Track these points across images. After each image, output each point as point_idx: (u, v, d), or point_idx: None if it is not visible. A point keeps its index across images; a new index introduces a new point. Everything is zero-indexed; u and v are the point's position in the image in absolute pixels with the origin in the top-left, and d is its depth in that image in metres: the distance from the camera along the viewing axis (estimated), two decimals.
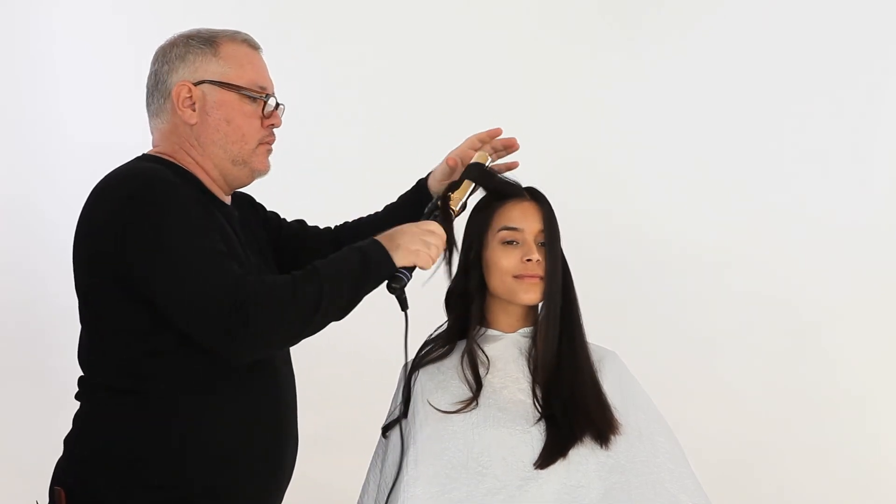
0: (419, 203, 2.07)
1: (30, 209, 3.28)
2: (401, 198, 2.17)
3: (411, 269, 1.82)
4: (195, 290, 1.66)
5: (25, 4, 3.30)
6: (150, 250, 1.68)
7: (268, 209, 2.14)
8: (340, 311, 1.75)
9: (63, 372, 3.22)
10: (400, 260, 1.79)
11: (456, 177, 2.03)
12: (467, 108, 3.28)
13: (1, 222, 3.29)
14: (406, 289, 1.83)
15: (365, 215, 2.19)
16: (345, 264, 1.75)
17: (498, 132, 2.08)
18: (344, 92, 3.30)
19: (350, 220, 2.19)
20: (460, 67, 3.32)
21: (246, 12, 3.07)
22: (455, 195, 1.96)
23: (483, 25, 3.35)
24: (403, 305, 1.86)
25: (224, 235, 1.79)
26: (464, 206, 1.99)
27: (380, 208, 2.19)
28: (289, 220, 2.17)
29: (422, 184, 2.14)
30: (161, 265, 1.68)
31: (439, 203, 1.96)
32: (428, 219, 1.92)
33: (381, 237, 1.82)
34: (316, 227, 2.19)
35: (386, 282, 1.81)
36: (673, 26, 3.32)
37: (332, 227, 2.20)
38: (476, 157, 2.04)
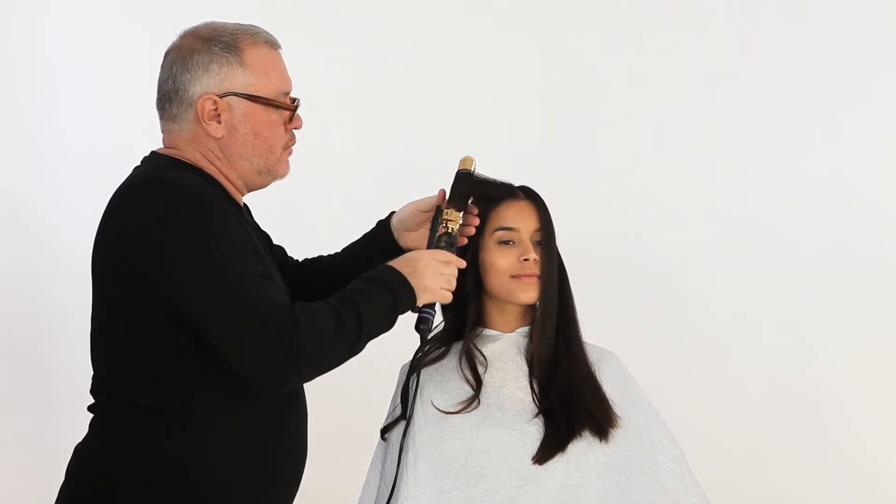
0: (379, 249, 2.04)
1: (28, 209, 3.28)
2: (364, 237, 2.12)
3: (433, 305, 1.82)
4: (241, 316, 1.61)
5: (24, 6, 3.30)
6: (191, 272, 1.62)
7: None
8: (365, 344, 1.73)
9: (62, 373, 3.24)
10: (423, 300, 1.78)
11: (439, 201, 1.97)
12: (467, 111, 3.29)
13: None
14: None
15: (325, 255, 2.14)
16: (379, 303, 1.72)
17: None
18: (343, 91, 3.29)
19: (311, 258, 2.15)
20: (459, 68, 3.32)
21: (245, 10, 3.06)
22: (452, 219, 1.91)
23: (481, 27, 3.34)
24: (424, 343, 1.88)
25: (258, 253, 1.74)
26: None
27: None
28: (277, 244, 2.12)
29: (383, 225, 2.09)
30: (204, 288, 1.62)
31: (441, 228, 1.90)
32: (437, 247, 1.87)
33: (406, 273, 1.77)
34: (293, 259, 2.13)
35: (415, 323, 1.82)
36: (673, 26, 3.32)
37: (301, 260, 2.15)
38: (462, 164, 1.98)
